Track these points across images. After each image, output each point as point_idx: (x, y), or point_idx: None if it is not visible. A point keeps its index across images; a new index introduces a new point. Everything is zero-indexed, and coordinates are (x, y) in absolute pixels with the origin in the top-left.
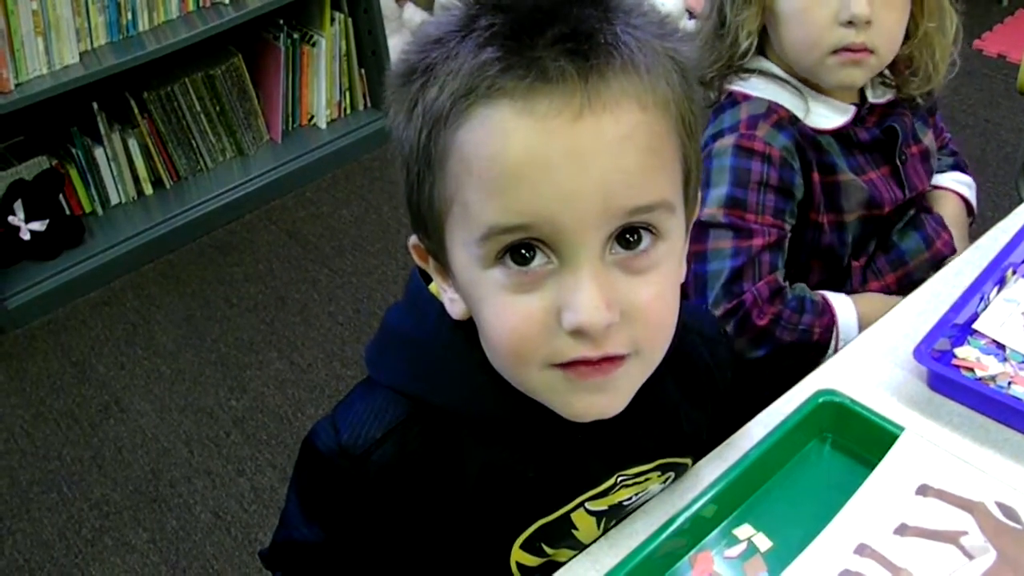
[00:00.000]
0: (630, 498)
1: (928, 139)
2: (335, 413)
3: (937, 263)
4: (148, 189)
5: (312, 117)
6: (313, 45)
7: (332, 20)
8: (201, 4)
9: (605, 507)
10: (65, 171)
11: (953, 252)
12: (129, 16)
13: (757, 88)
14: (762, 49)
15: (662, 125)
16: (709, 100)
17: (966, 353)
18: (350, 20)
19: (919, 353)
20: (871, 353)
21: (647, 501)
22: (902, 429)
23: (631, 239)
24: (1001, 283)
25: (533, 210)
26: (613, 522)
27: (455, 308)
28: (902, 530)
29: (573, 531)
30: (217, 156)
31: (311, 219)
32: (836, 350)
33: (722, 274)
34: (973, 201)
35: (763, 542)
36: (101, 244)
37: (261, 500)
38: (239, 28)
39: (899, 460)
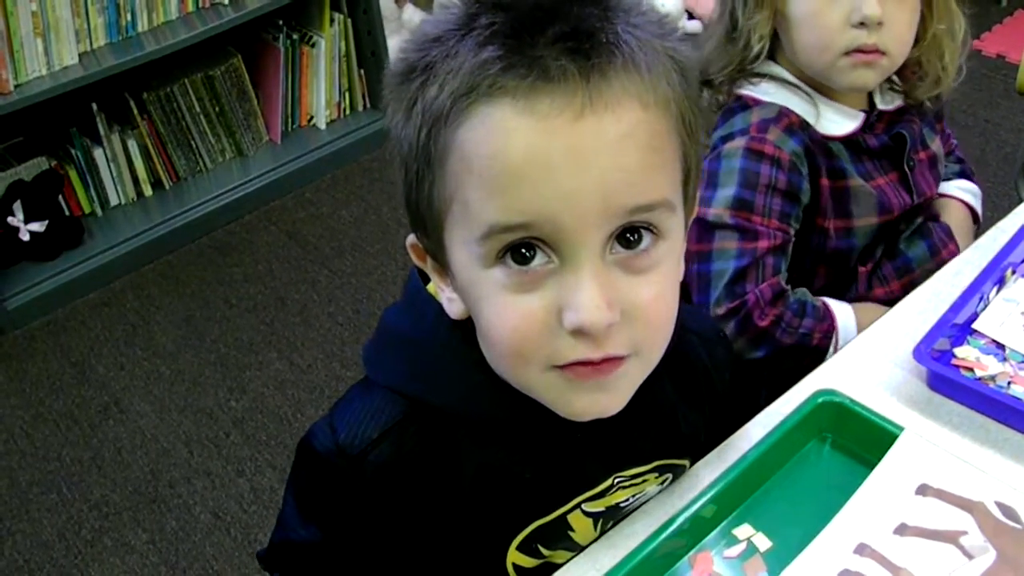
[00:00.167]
0: (627, 500)
1: (936, 145)
2: (332, 413)
3: None
4: (147, 190)
5: (311, 118)
6: (312, 46)
7: (331, 21)
8: (200, 5)
9: (602, 508)
10: (64, 172)
11: None
12: (128, 17)
13: (768, 93)
14: (772, 53)
15: (663, 124)
16: (718, 103)
17: (966, 353)
18: (349, 21)
19: (919, 353)
20: (870, 353)
21: (644, 503)
22: (902, 429)
23: (631, 238)
24: (1000, 283)
25: (534, 209)
26: (610, 524)
27: (453, 308)
28: (902, 530)
29: (570, 532)
30: (216, 157)
31: (311, 220)
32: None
33: (725, 274)
34: (979, 210)
35: (763, 542)
36: (100, 245)
37: (261, 501)
38: (238, 29)
39: (899, 460)
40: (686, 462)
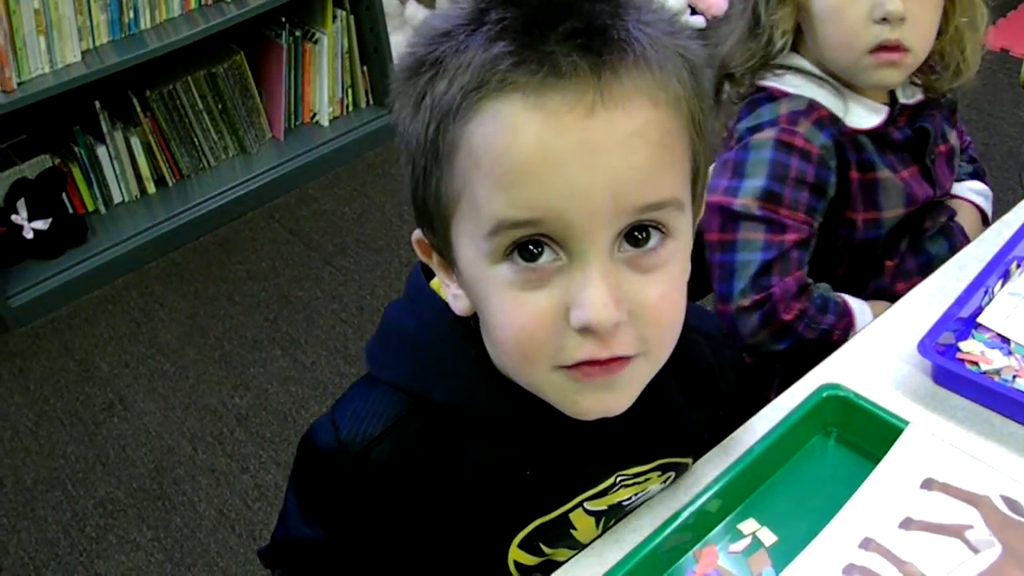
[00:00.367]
0: (629, 498)
1: (953, 139)
2: (334, 410)
3: None
4: (151, 187)
5: (314, 115)
6: (315, 42)
7: (334, 17)
8: (203, 2)
9: (604, 507)
10: (68, 170)
11: None
12: (131, 14)
13: (793, 85)
14: (795, 46)
15: (673, 122)
16: (739, 95)
17: (970, 347)
18: (352, 17)
19: (923, 347)
20: (875, 347)
21: (647, 500)
22: (907, 423)
23: (640, 237)
24: (1005, 277)
25: (543, 205)
26: (612, 522)
27: (458, 304)
28: (907, 524)
29: (572, 531)
30: (220, 154)
31: (314, 217)
32: None
33: (751, 265)
34: (989, 212)
35: (768, 536)
36: (104, 242)
37: (265, 497)
38: (241, 26)
39: (904, 454)
40: (689, 461)
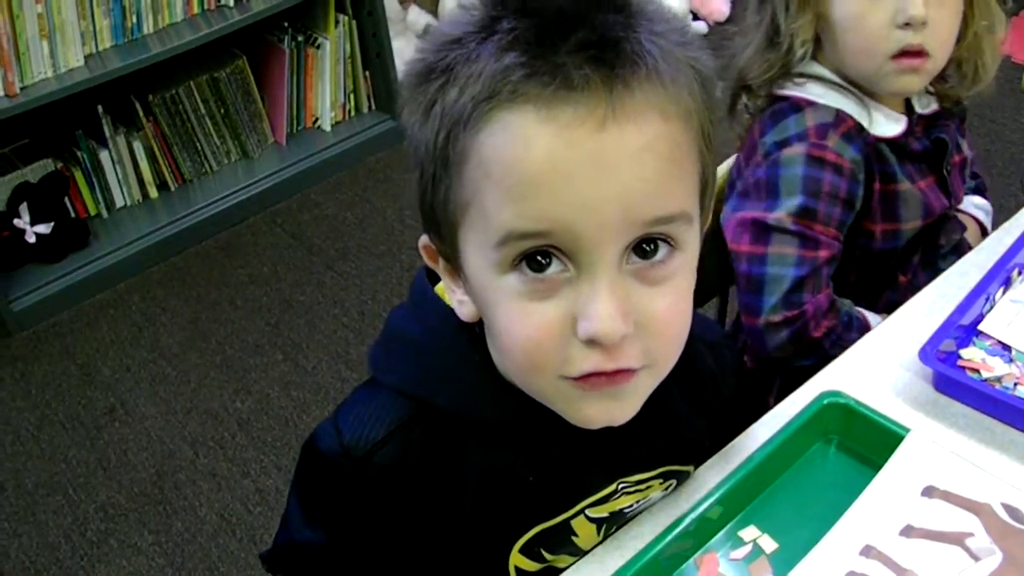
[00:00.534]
0: (631, 505)
1: (966, 149)
2: (337, 415)
3: None
4: (153, 192)
5: (316, 119)
6: (317, 47)
7: (336, 22)
8: (205, 7)
9: (606, 514)
10: (70, 174)
11: None
12: (134, 19)
13: (816, 94)
14: (813, 54)
15: (683, 136)
16: (756, 107)
17: (972, 354)
18: (354, 22)
19: (924, 354)
20: (876, 354)
21: (648, 508)
22: (908, 430)
23: (648, 249)
24: (1007, 284)
25: (552, 217)
26: (613, 529)
27: (464, 310)
28: (908, 531)
29: (573, 537)
30: (222, 159)
31: (316, 221)
32: None
33: (784, 281)
34: (989, 228)
35: (768, 544)
36: (106, 247)
37: (266, 502)
38: (243, 31)
39: (905, 461)
40: (690, 468)
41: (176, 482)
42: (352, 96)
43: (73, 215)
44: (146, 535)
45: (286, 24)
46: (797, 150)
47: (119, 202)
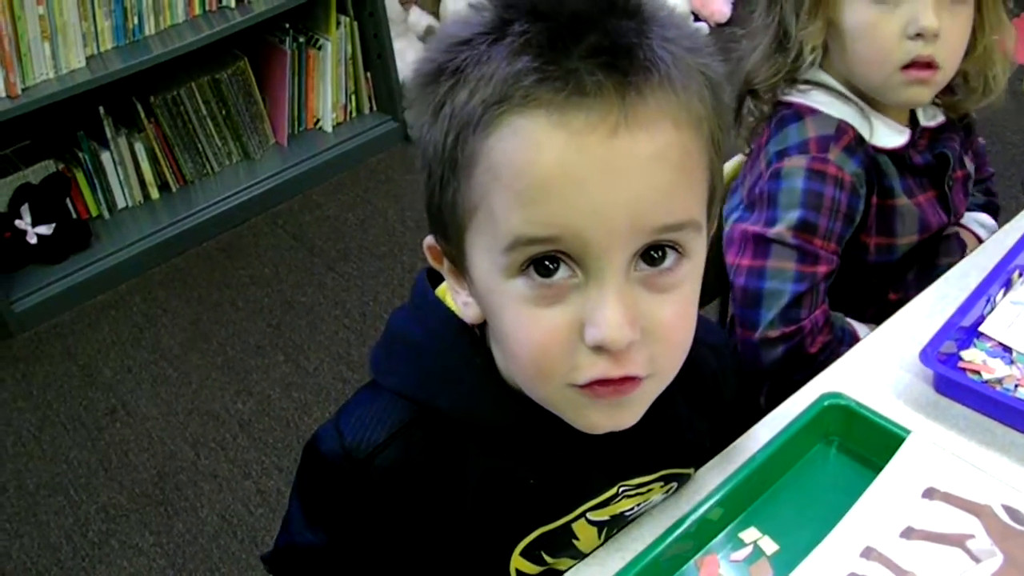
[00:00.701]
0: (632, 508)
1: (969, 165)
2: (338, 417)
3: None
4: (154, 193)
5: (318, 121)
6: (319, 49)
7: (337, 24)
8: (207, 8)
9: (607, 517)
10: (72, 175)
11: None
12: (135, 20)
13: (820, 102)
14: (819, 61)
15: (694, 143)
16: (761, 113)
17: (972, 356)
18: (355, 24)
19: (925, 356)
20: (877, 356)
21: (648, 510)
22: (908, 432)
23: (656, 256)
24: (1007, 285)
25: (562, 223)
26: (615, 532)
27: (469, 312)
28: (908, 533)
29: (574, 541)
30: (223, 160)
31: (317, 223)
32: None
33: (782, 296)
34: None
35: (769, 545)
36: (108, 248)
37: (267, 503)
38: (245, 32)
39: (905, 463)
40: (691, 470)
41: (177, 483)
42: (353, 97)
43: (74, 216)
44: (147, 536)
45: (287, 25)
46: (798, 163)
47: (120, 203)
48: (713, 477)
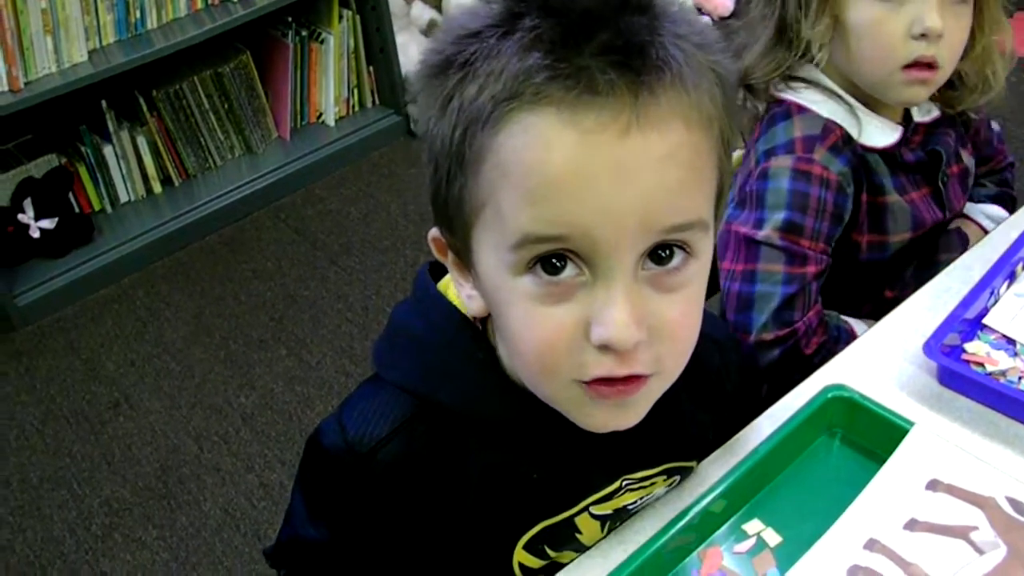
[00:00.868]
0: (635, 502)
1: (967, 160)
2: (341, 411)
3: None
4: (157, 187)
5: (320, 114)
6: (321, 42)
7: (340, 17)
8: (209, 2)
9: (610, 511)
10: (74, 169)
11: None
12: (137, 14)
13: (809, 100)
14: (812, 57)
15: (704, 143)
16: (756, 110)
17: (976, 348)
18: (358, 17)
19: (929, 348)
20: (881, 348)
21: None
22: (912, 424)
23: (663, 255)
24: (1011, 278)
25: (571, 222)
26: (617, 525)
27: (473, 305)
28: (912, 525)
29: (577, 534)
30: (226, 154)
31: (320, 216)
32: None
33: (773, 299)
34: None
35: (772, 537)
36: (110, 242)
37: (270, 496)
38: (247, 26)
39: (909, 455)
40: (694, 464)
41: (180, 477)
42: (356, 91)
43: (77, 210)
44: (150, 529)
45: (290, 19)
46: (784, 163)
47: (123, 197)
48: (716, 469)
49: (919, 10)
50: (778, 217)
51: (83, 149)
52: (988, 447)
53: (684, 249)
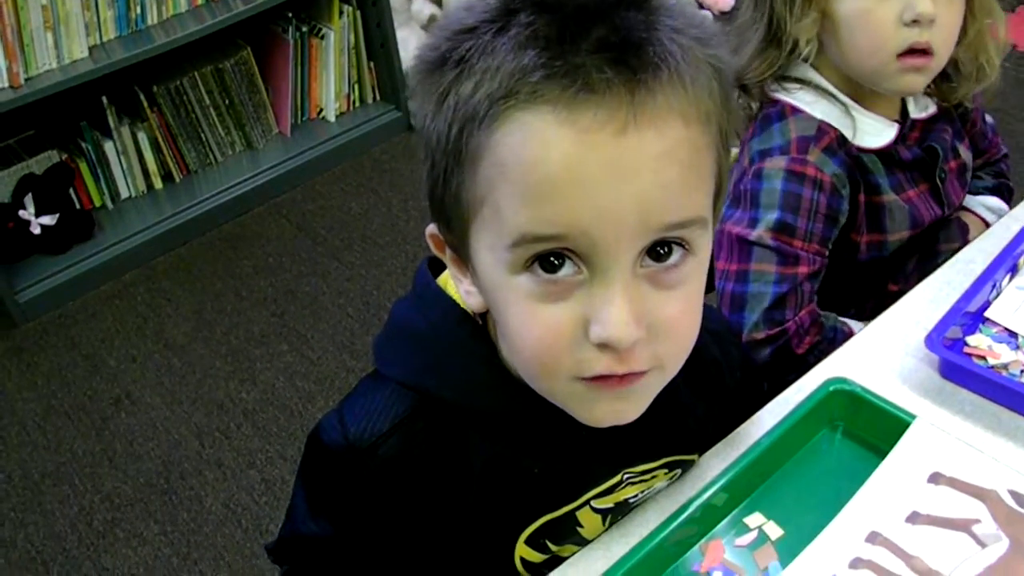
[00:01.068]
0: (636, 495)
1: (965, 154)
2: (342, 406)
3: None
4: (158, 183)
5: (321, 110)
6: (322, 38)
7: (340, 13)
8: None
9: (611, 504)
10: (75, 165)
11: None
12: (138, 10)
13: (804, 101)
14: (808, 57)
15: (703, 139)
16: (750, 109)
17: (978, 341)
18: (358, 13)
19: (931, 341)
20: (882, 341)
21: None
22: (914, 417)
23: (662, 252)
24: (1013, 271)
25: (568, 222)
26: (619, 519)
27: (472, 301)
28: (914, 518)
29: (578, 528)
30: (226, 149)
31: (320, 212)
32: None
33: (764, 299)
34: None
35: (774, 530)
36: (111, 238)
37: (272, 492)
38: (247, 21)
39: (911, 448)
40: (695, 457)
41: (182, 472)
42: (356, 86)
43: (78, 206)
44: (152, 525)
45: (290, 15)
46: (778, 163)
47: (124, 193)
48: (718, 463)
49: None
50: (770, 217)
51: (84, 145)
52: (990, 440)
53: (683, 246)
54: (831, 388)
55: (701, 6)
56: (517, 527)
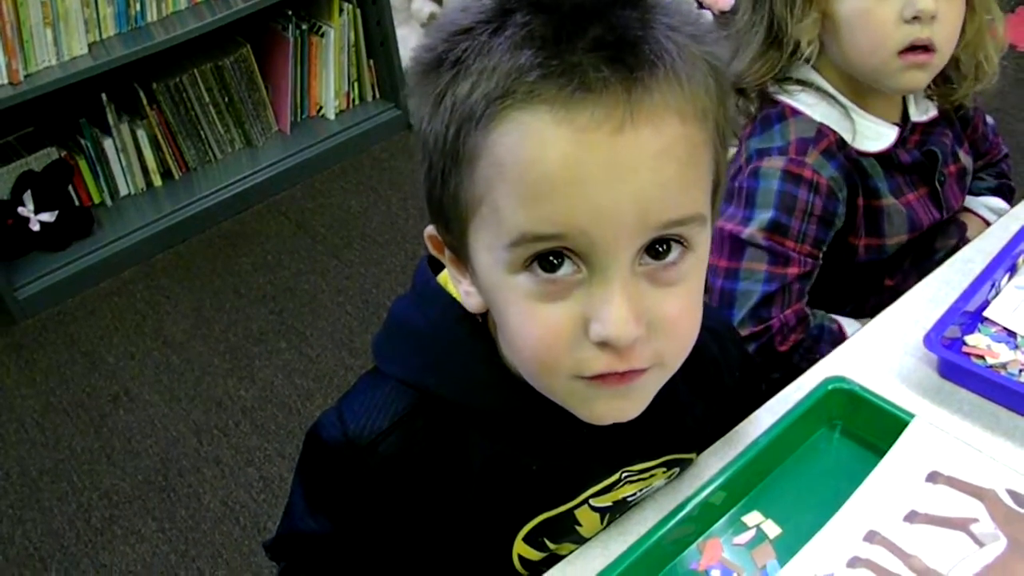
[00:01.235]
0: (634, 494)
1: (964, 158)
2: (341, 404)
3: None
4: (157, 180)
5: (321, 108)
6: (321, 36)
7: (340, 10)
8: None
9: (609, 503)
10: (74, 162)
11: None
12: (137, 7)
13: (805, 104)
14: (809, 59)
15: (700, 136)
16: (749, 111)
17: (977, 341)
18: (358, 11)
19: (929, 340)
20: (881, 340)
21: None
22: (912, 416)
23: (661, 249)
24: (1012, 270)
25: (567, 221)
26: (617, 517)
27: (471, 301)
28: (912, 517)
29: (576, 527)
30: (226, 147)
31: (320, 210)
32: None
33: (752, 296)
34: None
35: (772, 529)
36: (110, 235)
37: (270, 489)
38: (247, 19)
39: (909, 447)
40: (693, 455)
41: (180, 470)
42: (356, 84)
43: (77, 203)
44: (150, 522)
45: (290, 12)
46: (776, 164)
47: (123, 190)
48: (716, 461)
49: None
50: (764, 217)
51: (83, 142)
52: (988, 439)
53: (681, 243)
54: (830, 387)
55: (701, 5)
56: (515, 525)
